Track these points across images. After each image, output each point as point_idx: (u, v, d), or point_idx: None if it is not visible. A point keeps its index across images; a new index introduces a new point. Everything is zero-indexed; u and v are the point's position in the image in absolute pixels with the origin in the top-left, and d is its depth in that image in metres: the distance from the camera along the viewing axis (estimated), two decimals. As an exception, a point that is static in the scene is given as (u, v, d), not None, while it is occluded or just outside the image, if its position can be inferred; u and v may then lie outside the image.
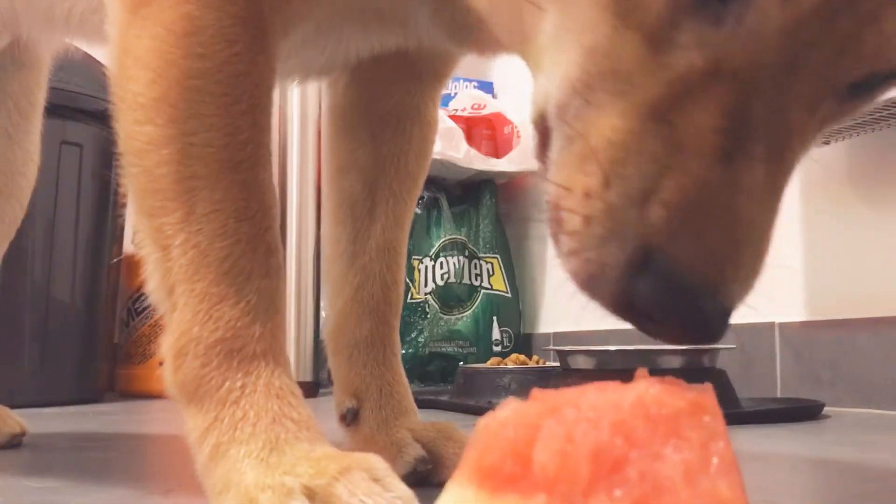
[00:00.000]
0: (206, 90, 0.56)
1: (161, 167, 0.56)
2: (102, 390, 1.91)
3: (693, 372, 1.27)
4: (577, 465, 0.34)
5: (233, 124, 0.56)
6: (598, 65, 0.42)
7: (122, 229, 1.94)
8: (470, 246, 2.28)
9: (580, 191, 0.41)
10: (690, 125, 0.40)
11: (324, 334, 0.82)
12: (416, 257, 2.21)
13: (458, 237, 2.27)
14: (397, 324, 0.80)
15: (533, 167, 2.43)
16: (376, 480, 0.50)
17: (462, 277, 2.24)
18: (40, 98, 1.07)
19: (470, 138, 2.24)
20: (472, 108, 2.32)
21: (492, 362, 1.68)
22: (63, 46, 1.02)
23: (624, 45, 0.41)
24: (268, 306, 0.56)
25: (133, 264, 1.66)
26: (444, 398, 1.57)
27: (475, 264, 2.27)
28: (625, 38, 0.41)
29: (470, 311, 2.23)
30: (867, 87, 0.42)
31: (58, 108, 1.35)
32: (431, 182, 2.23)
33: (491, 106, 2.33)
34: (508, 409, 0.37)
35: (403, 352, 0.81)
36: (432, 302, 2.19)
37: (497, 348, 2.21)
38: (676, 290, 0.39)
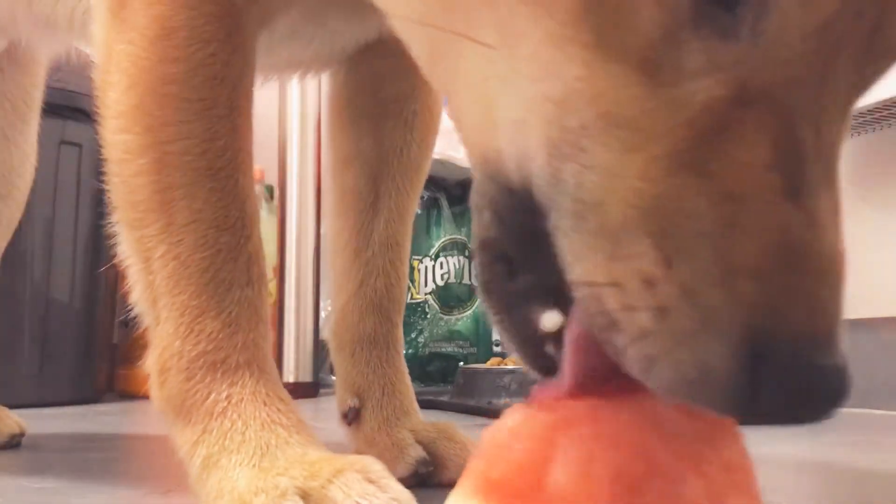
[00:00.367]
0: (182, 96, 0.55)
1: (139, 177, 0.55)
2: (101, 391, 1.91)
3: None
4: (598, 487, 0.32)
5: (210, 130, 0.55)
6: (583, 116, 0.34)
7: (121, 229, 1.94)
8: (470, 246, 2.28)
9: (635, 280, 0.32)
10: (737, 168, 0.32)
11: (326, 330, 0.82)
12: (416, 257, 2.20)
13: (458, 237, 2.26)
14: (400, 320, 0.80)
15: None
16: (372, 482, 0.49)
17: (462, 277, 2.24)
18: (37, 98, 1.06)
19: (470, 138, 2.23)
20: (472, 108, 2.32)
21: (492, 362, 1.68)
22: (62, 48, 1.01)
23: (611, 83, 0.33)
24: (250, 316, 0.56)
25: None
26: (444, 398, 1.57)
27: (475, 264, 2.27)
28: (609, 75, 0.33)
29: (470, 311, 2.23)
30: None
31: (57, 108, 1.35)
32: (431, 182, 2.22)
33: (491, 106, 2.33)
34: (516, 418, 0.35)
35: (403, 352, 0.80)
36: (432, 302, 2.19)
37: (497, 348, 2.21)
38: (803, 371, 0.31)
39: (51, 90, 1.09)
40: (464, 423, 1.26)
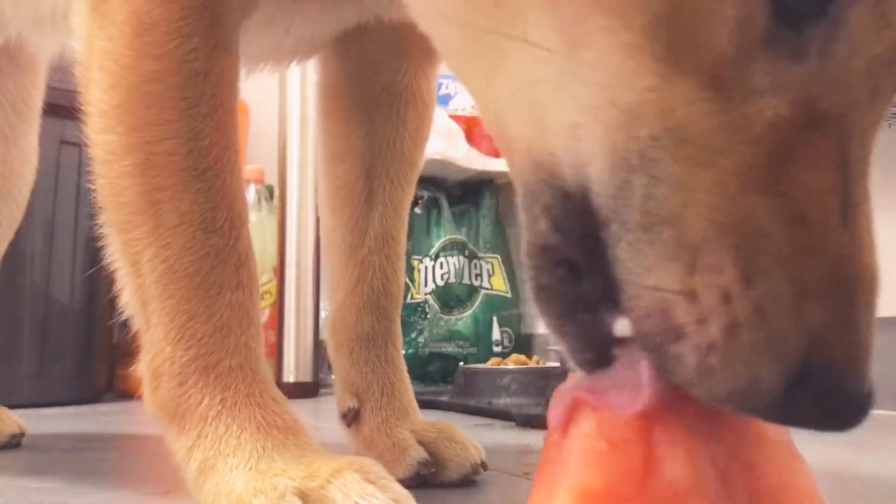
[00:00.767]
0: (166, 94, 0.53)
1: (124, 179, 0.54)
2: (101, 391, 1.90)
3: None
4: (706, 479, 0.33)
5: (195, 129, 0.54)
6: (652, 129, 0.34)
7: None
8: (470, 246, 2.28)
9: (713, 292, 0.33)
10: (805, 191, 0.34)
11: (325, 329, 0.81)
12: (416, 257, 2.20)
13: (458, 237, 2.26)
14: (398, 317, 0.79)
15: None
16: (371, 482, 0.49)
17: (462, 277, 2.24)
18: (37, 99, 1.06)
19: (470, 138, 2.23)
20: (473, 107, 2.32)
21: (492, 362, 1.68)
22: (57, 46, 1.01)
23: (682, 97, 0.34)
24: (241, 319, 0.55)
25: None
26: (444, 398, 1.57)
27: (475, 264, 2.27)
28: (680, 88, 0.34)
29: (470, 311, 2.23)
30: None
31: (57, 108, 1.34)
32: (431, 182, 2.23)
33: (491, 106, 2.32)
34: (589, 422, 0.35)
35: (403, 352, 0.80)
36: (432, 302, 2.19)
37: (497, 348, 2.21)
38: (841, 397, 0.34)
39: (51, 90, 1.09)
40: (464, 423, 1.26)
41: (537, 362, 1.68)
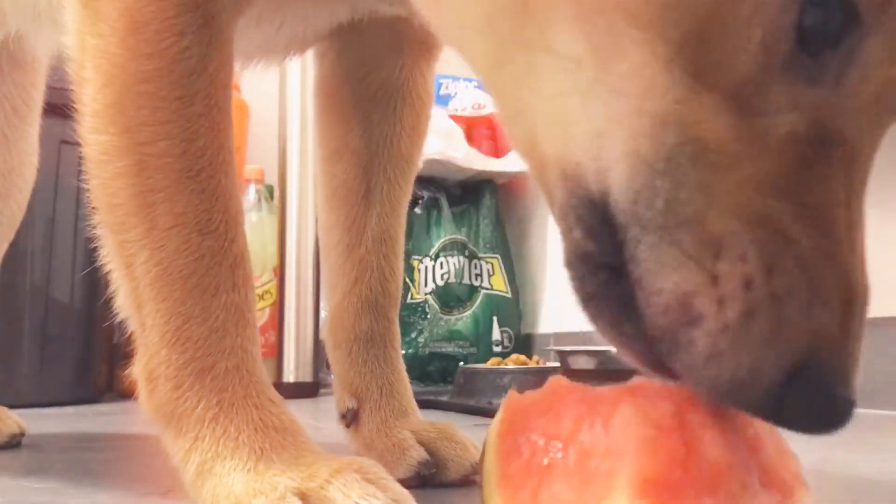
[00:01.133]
0: (159, 94, 0.53)
1: (118, 180, 0.54)
2: (101, 391, 1.90)
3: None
4: (743, 457, 0.35)
5: (189, 129, 0.53)
6: (678, 136, 0.36)
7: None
8: (470, 246, 2.28)
9: (736, 277, 0.35)
10: (817, 201, 0.36)
11: (323, 330, 0.81)
12: (416, 257, 2.20)
13: (458, 237, 2.26)
14: (396, 316, 0.79)
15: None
16: (370, 482, 0.49)
17: (462, 277, 2.24)
18: (37, 99, 1.05)
19: (470, 138, 2.23)
20: (472, 108, 2.32)
21: (492, 362, 1.68)
22: (56, 43, 1.00)
23: (706, 110, 0.36)
24: (237, 320, 0.54)
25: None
26: (444, 398, 1.57)
27: (475, 264, 2.27)
28: (705, 102, 0.36)
29: (470, 311, 2.23)
30: None
31: (58, 108, 1.34)
32: (431, 182, 2.23)
33: (491, 106, 2.32)
34: (628, 412, 0.36)
35: (403, 352, 0.79)
36: (432, 302, 2.19)
37: (497, 348, 2.21)
38: (830, 401, 0.36)
39: (51, 90, 1.08)
40: (464, 423, 1.25)
41: (537, 362, 1.68)
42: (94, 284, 1.76)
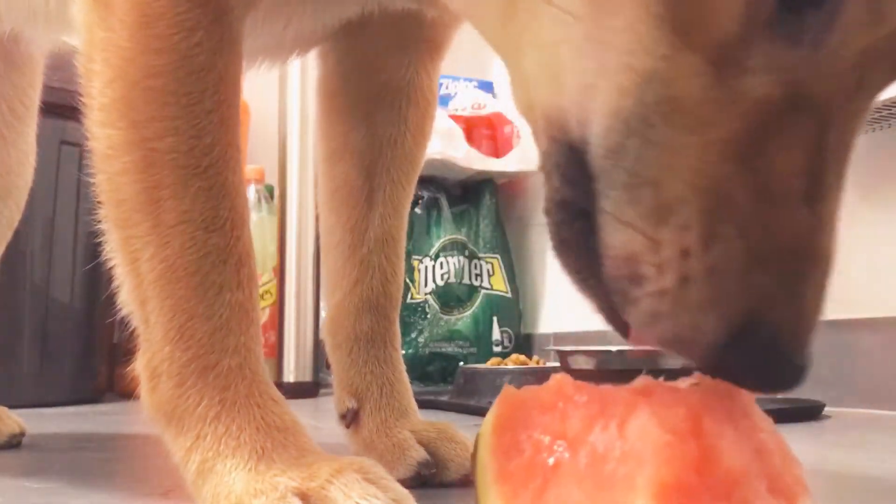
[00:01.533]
0: (168, 90, 0.52)
1: (124, 175, 0.53)
2: (102, 391, 1.91)
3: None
4: (751, 460, 0.35)
5: (198, 126, 0.53)
6: (657, 93, 0.37)
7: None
8: (470, 246, 2.28)
9: (674, 246, 0.37)
10: (775, 168, 0.37)
11: (323, 329, 0.80)
12: (416, 257, 2.20)
13: (458, 237, 2.26)
14: (397, 317, 0.78)
15: (533, 167, 2.40)
16: (371, 482, 0.49)
17: (462, 277, 2.24)
18: (34, 99, 1.05)
19: (470, 138, 2.23)
20: (472, 108, 2.32)
21: (492, 363, 1.68)
22: (53, 42, 0.99)
23: (686, 69, 0.36)
24: (241, 319, 0.54)
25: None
26: (444, 398, 1.57)
27: (475, 264, 2.27)
28: (687, 60, 0.36)
29: (470, 312, 2.23)
30: None
31: (57, 108, 1.34)
32: (431, 182, 2.23)
33: (491, 106, 2.33)
34: (647, 417, 0.36)
35: (403, 352, 0.79)
36: (432, 302, 2.19)
37: (497, 348, 2.21)
38: (776, 357, 0.37)
39: (51, 90, 1.08)
40: (464, 423, 1.26)
41: (537, 362, 1.68)
42: (95, 284, 1.76)
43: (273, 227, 2.13)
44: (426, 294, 2.19)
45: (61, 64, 1.09)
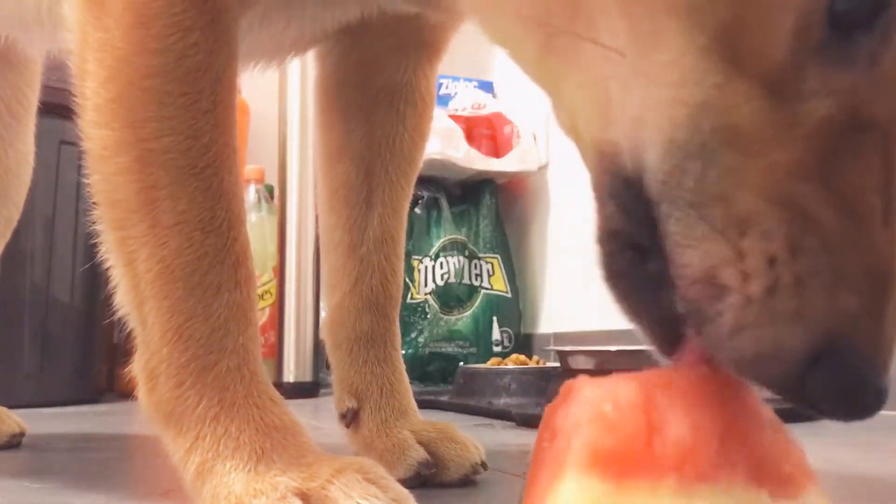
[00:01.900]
0: (164, 90, 0.52)
1: (120, 175, 0.53)
2: (102, 391, 1.91)
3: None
4: (708, 440, 0.34)
5: (194, 126, 0.53)
6: (713, 122, 0.37)
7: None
8: (470, 246, 2.28)
9: (760, 254, 0.36)
10: (850, 187, 0.36)
11: (323, 329, 0.80)
12: (416, 257, 2.20)
13: (458, 237, 2.26)
14: (397, 316, 0.78)
15: (533, 167, 2.40)
16: (372, 482, 0.49)
17: (462, 277, 2.24)
18: (32, 99, 1.05)
19: (470, 138, 2.23)
20: (472, 108, 2.32)
21: (492, 362, 1.68)
22: (49, 46, 0.99)
23: (740, 96, 0.36)
24: (239, 319, 0.54)
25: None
26: (444, 398, 1.57)
27: (475, 264, 2.27)
28: (739, 88, 0.36)
29: (470, 311, 2.23)
30: None
31: (57, 108, 1.34)
32: (431, 182, 2.23)
33: (491, 106, 2.33)
34: (594, 391, 0.36)
35: (403, 352, 0.79)
36: (432, 302, 2.19)
37: (497, 348, 2.21)
38: (857, 383, 0.36)
39: (51, 90, 1.08)
40: (464, 423, 1.26)
41: (537, 362, 1.68)
42: (94, 284, 1.76)
43: (273, 227, 2.13)
44: (426, 294, 2.19)
45: (60, 64, 1.09)
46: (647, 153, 0.39)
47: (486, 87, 2.45)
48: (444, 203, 2.27)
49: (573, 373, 1.40)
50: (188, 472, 0.52)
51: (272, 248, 2.12)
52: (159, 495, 0.70)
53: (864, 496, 0.73)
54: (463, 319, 2.21)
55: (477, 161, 2.21)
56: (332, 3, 0.69)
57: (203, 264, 0.53)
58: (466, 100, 2.34)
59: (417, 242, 2.21)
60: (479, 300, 2.25)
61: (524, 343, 2.27)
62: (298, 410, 0.56)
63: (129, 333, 0.57)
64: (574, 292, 1.95)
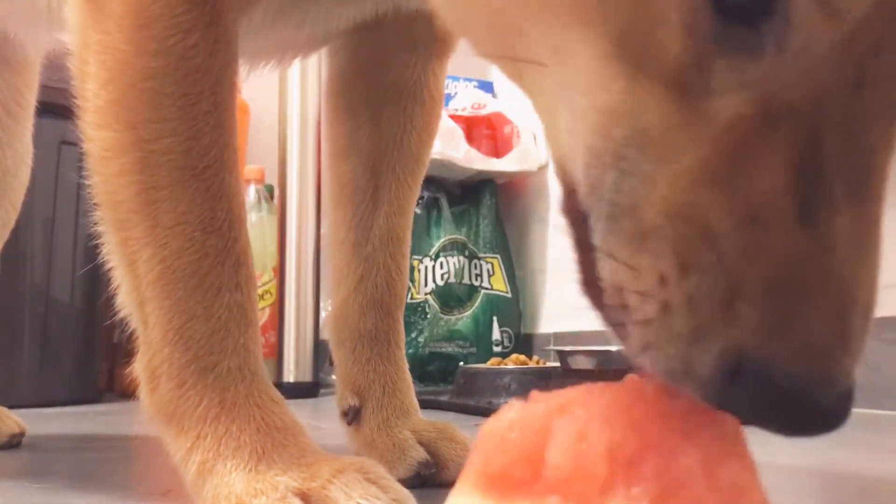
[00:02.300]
0: (164, 91, 0.52)
1: (121, 177, 0.54)
2: (102, 390, 1.91)
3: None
4: (593, 463, 0.33)
5: (194, 127, 0.53)
6: (624, 128, 0.36)
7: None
8: (470, 246, 2.28)
9: (652, 273, 0.35)
10: (757, 189, 0.33)
11: (327, 325, 0.80)
12: (416, 257, 2.20)
13: (458, 237, 2.26)
14: (401, 315, 0.79)
15: (533, 167, 2.40)
16: (372, 482, 0.49)
17: (462, 277, 2.24)
18: (30, 99, 1.05)
19: (470, 138, 2.23)
20: (472, 108, 2.32)
21: (492, 362, 1.68)
22: (53, 45, 0.99)
23: (647, 99, 0.35)
24: (239, 320, 0.54)
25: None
26: (444, 398, 1.57)
27: (475, 264, 2.27)
28: (646, 91, 0.35)
29: (470, 311, 2.23)
30: None
31: (57, 108, 1.34)
32: (431, 182, 2.23)
33: (491, 106, 2.33)
34: (512, 412, 0.36)
35: (405, 348, 0.79)
36: (432, 302, 2.19)
37: (497, 348, 2.21)
38: (782, 396, 0.33)
39: (51, 90, 1.08)
40: (464, 423, 1.26)
41: (537, 362, 1.68)
42: (95, 284, 1.76)
43: (273, 227, 2.13)
44: (426, 294, 2.19)
45: (60, 64, 1.09)
46: (575, 164, 0.39)
47: (486, 87, 2.45)
48: (444, 203, 2.27)
49: (573, 373, 1.40)
50: (189, 471, 0.53)
51: (272, 248, 2.12)
52: (159, 495, 0.70)
53: (864, 496, 0.73)
54: (463, 319, 2.21)
55: (477, 161, 2.21)
56: (347, 1, 0.69)
57: (204, 265, 0.53)
58: (466, 100, 2.34)
59: (417, 242, 2.21)
60: (479, 300, 2.25)
61: (524, 343, 2.27)
62: (298, 410, 0.57)
63: (131, 334, 0.57)
64: (574, 292, 1.95)
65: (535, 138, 2.25)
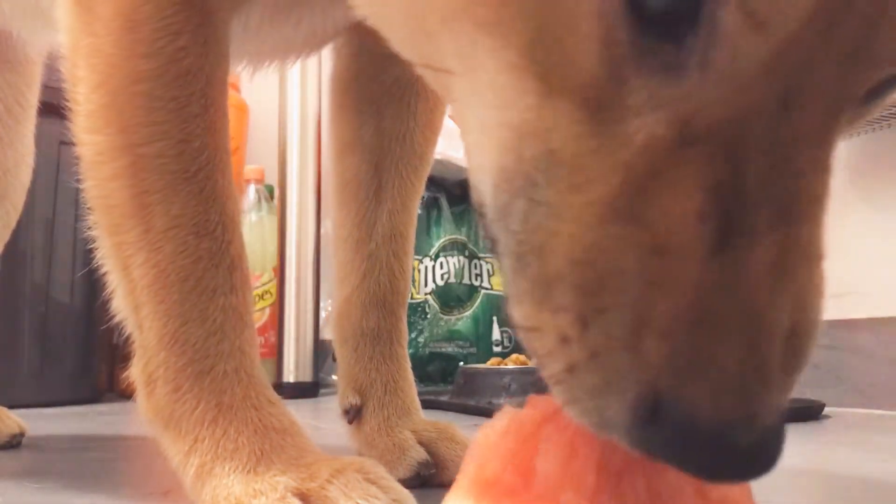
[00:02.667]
0: (154, 94, 0.52)
1: (114, 181, 0.53)
2: (102, 391, 1.90)
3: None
4: (583, 473, 0.33)
5: (185, 130, 0.53)
6: (534, 148, 0.33)
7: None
8: (470, 246, 2.28)
9: (554, 333, 0.33)
10: (667, 219, 0.30)
11: (328, 329, 0.80)
12: (416, 257, 2.20)
13: (458, 237, 2.26)
14: (404, 313, 0.78)
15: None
16: (372, 482, 0.49)
17: (462, 277, 2.24)
18: (32, 100, 1.05)
19: (470, 138, 2.23)
20: (472, 107, 2.32)
21: (492, 363, 1.68)
22: (54, 45, 0.99)
23: (559, 118, 0.32)
24: (235, 323, 0.54)
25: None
26: (444, 398, 1.57)
27: (475, 264, 2.27)
28: (558, 109, 0.32)
29: (470, 312, 2.23)
30: (882, 89, 0.33)
31: (57, 108, 1.34)
32: (431, 182, 2.22)
33: (491, 106, 2.33)
34: (506, 418, 0.36)
35: (407, 347, 0.79)
36: (432, 302, 2.19)
37: (497, 349, 2.21)
38: (699, 439, 0.31)
39: (51, 90, 1.08)
40: (464, 423, 1.25)
41: (537, 362, 1.68)
42: (94, 285, 1.76)
43: (273, 227, 2.13)
44: (426, 294, 2.19)
45: (58, 64, 1.09)
46: (484, 184, 0.36)
47: (486, 87, 2.45)
48: (444, 203, 2.27)
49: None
50: (188, 474, 0.53)
51: (272, 248, 2.12)
52: (159, 495, 0.70)
53: (865, 496, 0.73)
54: (463, 319, 2.21)
55: (477, 161, 2.21)
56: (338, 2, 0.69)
57: (198, 268, 0.53)
58: (466, 100, 2.34)
59: (417, 242, 2.20)
60: (479, 300, 2.24)
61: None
62: (298, 411, 0.57)
63: (129, 336, 0.57)
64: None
65: (535, 138, 2.25)
